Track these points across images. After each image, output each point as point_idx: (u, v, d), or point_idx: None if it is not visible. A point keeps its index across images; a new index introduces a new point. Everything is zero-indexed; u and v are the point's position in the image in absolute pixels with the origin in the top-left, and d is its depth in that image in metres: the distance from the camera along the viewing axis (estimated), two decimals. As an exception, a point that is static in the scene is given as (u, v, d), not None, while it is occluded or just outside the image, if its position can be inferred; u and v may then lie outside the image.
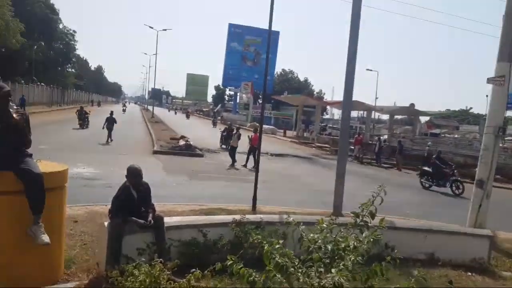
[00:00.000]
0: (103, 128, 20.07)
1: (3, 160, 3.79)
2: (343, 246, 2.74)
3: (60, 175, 4.28)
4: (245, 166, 15.77)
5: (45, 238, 3.79)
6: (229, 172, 14.42)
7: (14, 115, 3.95)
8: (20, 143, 3.99)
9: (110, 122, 20.01)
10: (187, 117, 58.24)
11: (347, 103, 8.39)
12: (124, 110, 56.03)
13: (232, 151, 16.46)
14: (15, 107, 4.09)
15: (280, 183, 13.39)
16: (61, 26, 56.45)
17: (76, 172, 10.76)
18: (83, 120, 25.65)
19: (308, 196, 11.38)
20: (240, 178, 12.93)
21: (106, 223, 4.62)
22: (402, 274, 4.66)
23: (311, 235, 2.84)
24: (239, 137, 16.96)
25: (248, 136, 16.83)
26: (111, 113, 20.76)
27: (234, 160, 16.15)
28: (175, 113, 74.69)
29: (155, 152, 17.67)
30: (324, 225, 2.95)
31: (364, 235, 2.82)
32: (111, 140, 19.41)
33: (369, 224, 2.83)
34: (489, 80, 7.99)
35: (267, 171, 14.17)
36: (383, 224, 2.89)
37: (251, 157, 15.41)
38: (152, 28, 49.48)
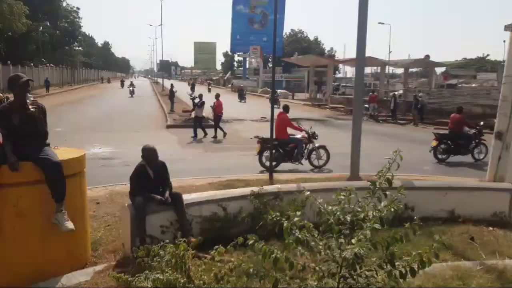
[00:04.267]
0: (168, 99, 24.50)
1: (22, 151, 3.86)
2: (362, 216, 2.74)
3: (78, 161, 4.34)
4: (215, 137, 14.82)
5: (70, 224, 3.89)
6: (242, 142, 14.38)
7: (30, 107, 4.03)
8: (37, 134, 4.05)
9: (172, 94, 24.21)
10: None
11: (360, 61, 8.03)
12: (132, 92, 37.96)
13: (198, 122, 15.16)
14: (32, 98, 4.14)
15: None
16: (64, 4, 55.99)
17: (93, 152, 10.93)
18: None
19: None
20: (254, 147, 12.95)
21: (127, 204, 4.70)
22: (422, 234, 4.65)
23: (329, 207, 2.83)
24: (201, 106, 15.31)
25: (212, 105, 15.58)
26: (172, 86, 25.07)
27: (204, 132, 14.98)
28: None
29: (169, 126, 17.77)
30: (342, 196, 2.93)
31: (382, 204, 2.80)
32: (173, 111, 22.56)
33: (387, 193, 2.80)
34: (507, 28, 7.61)
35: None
36: (402, 191, 2.86)
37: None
38: (155, -2, 48.45)
